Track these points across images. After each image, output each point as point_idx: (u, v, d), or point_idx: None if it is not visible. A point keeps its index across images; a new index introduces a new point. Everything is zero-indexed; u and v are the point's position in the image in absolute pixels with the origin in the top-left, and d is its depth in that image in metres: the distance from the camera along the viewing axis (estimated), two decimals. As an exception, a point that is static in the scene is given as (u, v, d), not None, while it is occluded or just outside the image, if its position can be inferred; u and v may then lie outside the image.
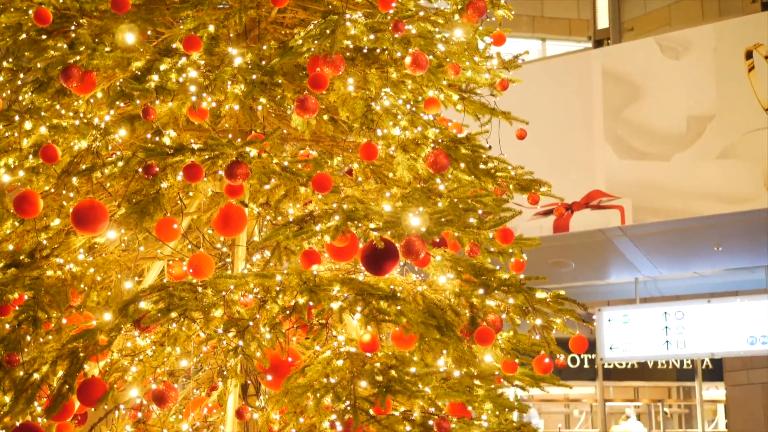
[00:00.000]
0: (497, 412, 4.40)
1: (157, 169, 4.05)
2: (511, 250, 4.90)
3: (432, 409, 4.06)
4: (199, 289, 3.98)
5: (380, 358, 3.91)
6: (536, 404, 19.22)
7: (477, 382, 4.32)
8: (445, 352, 4.25)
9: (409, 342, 4.10)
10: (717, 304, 14.08)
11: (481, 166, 4.62)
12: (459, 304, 4.44)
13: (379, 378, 3.77)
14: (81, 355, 3.96)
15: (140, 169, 4.08)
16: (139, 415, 4.18)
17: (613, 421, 20.13)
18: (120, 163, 4.17)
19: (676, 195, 12.75)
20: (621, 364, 18.90)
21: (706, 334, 14.03)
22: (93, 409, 4.38)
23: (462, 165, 4.51)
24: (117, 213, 4.22)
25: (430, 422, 3.95)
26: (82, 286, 4.60)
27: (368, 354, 3.86)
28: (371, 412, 3.80)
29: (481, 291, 4.36)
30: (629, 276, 14.70)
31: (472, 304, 4.40)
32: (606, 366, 18.60)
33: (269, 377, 4.01)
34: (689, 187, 12.77)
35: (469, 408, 4.25)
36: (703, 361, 18.87)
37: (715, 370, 18.65)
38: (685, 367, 19.16)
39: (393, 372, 3.82)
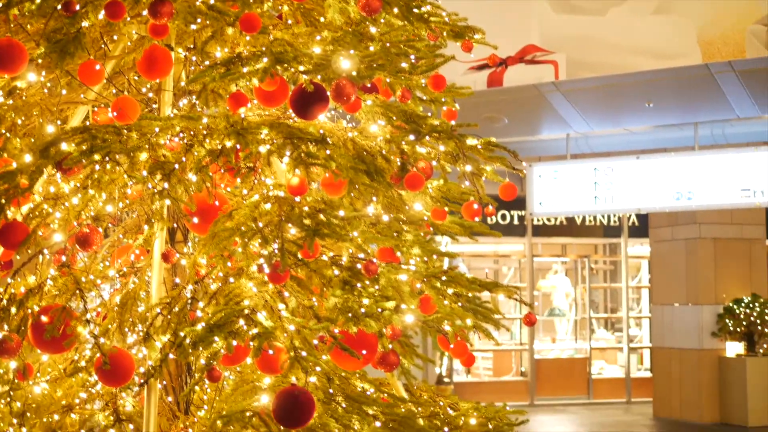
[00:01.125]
0: (425, 258, 4.43)
1: (78, 6, 3.90)
2: (443, 99, 4.86)
3: (361, 255, 4.06)
4: (124, 131, 3.88)
5: (309, 203, 3.88)
6: (465, 260, 19.56)
7: (406, 227, 4.33)
8: (374, 198, 4.23)
9: (338, 188, 4.07)
10: (645, 160, 14.31)
11: (415, 10, 4.53)
12: (389, 151, 4.41)
13: (307, 222, 3.75)
14: (1, 200, 3.86)
15: (59, 6, 3.91)
16: (63, 258, 4.12)
17: (541, 277, 20.62)
18: (38, 0, 4.00)
19: (611, 50, 12.77)
20: (549, 221, 19.25)
21: (634, 190, 14.29)
22: (17, 257, 4.32)
23: (395, 9, 4.41)
24: (36, 52, 4.06)
25: (358, 266, 3.95)
26: (3, 131, 4.47)
27: (296, 198, 3.82)
28: (299, 255, 3.79)
29: (411, 137, 4.32)
30: (561, 132, 14.81)
31: (402, 150, 4.37)
32: (535, 222, 18.92)
33: (195, 220, 3.96)
34: (624, 42, 12.78)
35: (398, 254, 4.27)
36: (629, 217, 19.29)
37: (641, 227, 19.11)
38: (611, 223, 19.58)
39: (321, 216, 3.79)
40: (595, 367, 19.40)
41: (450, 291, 4.52)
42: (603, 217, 19.39)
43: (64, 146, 3.79)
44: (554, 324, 20.59)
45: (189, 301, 4.01)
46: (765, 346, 15.68)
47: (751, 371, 15.42)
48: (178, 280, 4.61)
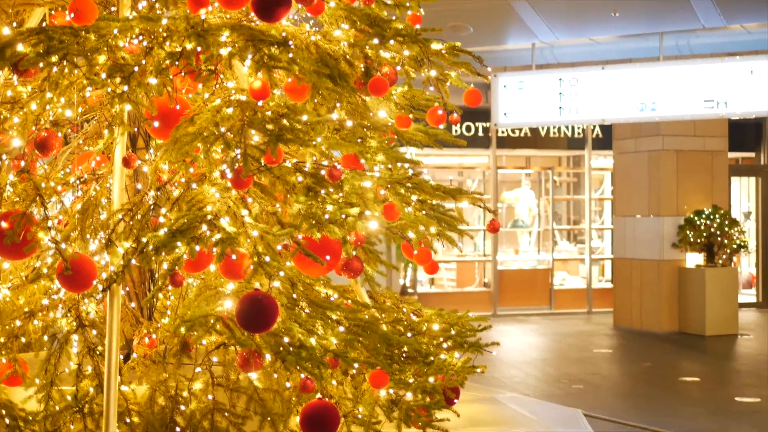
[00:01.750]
0: (389, 165, 4.40)
1: None
2: (407, 4, 4.79)
3: (325, 162, 4.03)
4: (82, 33, 3.79)
5: (272, 107, 3.83)
6: (430, 172, 19.57)
7: (370, 134, 4.30)
8: (338, 104, 4.18)
9: (301, 92, 4.01)
10: (610, 71, 14.30)
11: None
12: (353, 56, 4.35)
13: (270, 127, 3.70)
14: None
15: None
16: (23, 164, 4.06)
17: (505, 189, 20.71)
18: None
19: (577, -42, 12.64)
20: (514, 132, 19.25)
21: (599, 101, 14.31)
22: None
23: None
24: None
25: (322, 172, 3.93)
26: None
27: (259, 102, 3.77)
28: (262, 161, 3.76)
29: (375, 41, 4.26)
30: (526, 42, 14.72)
31: (366, 55, 4.31)
32: (500, 134, 18.92)
33: (156, 124, 3.90)
34: (590, -51, 12.65)
35: (362, 160, 4.24)
36: (593, 129, 19.34)
37: (605, 139, 19.17)
38: (575, 135, 19.62)
39: (284, 121, 3.74)
40: (557, 278, 19.64)
41: (414, 198, 4.51)
42: (567, 128, 19.42)
43: (20, 48, 3.70)
44: (517, 236, 20.75)
45: (151, 207, 3.97)
46: (724, 257, 15.91)
47: (710, 282, 15.67)
48: (140, 186, 4.57)
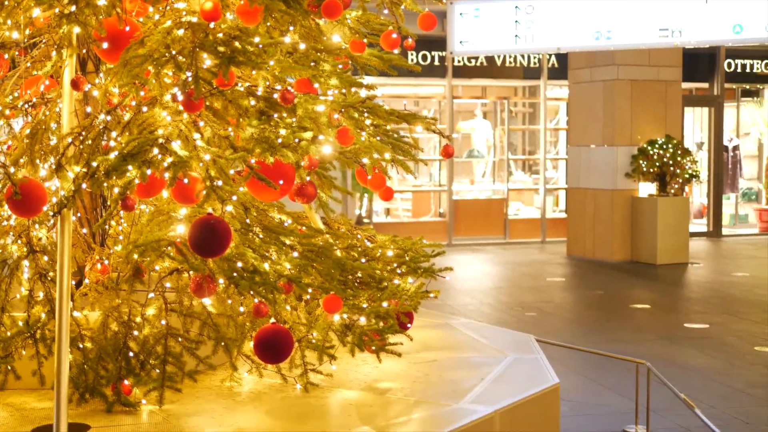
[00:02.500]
0: (343, 89, 4.37)
1: None
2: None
3: (279, 87, 3.99)
4: (27, -48, 3.70)
5: (223, 29, 3.76)
6: (386, 101, 19.48)
7: (323, 57, 4.26)
8: (291, 27, 4.13)
9: (253, 15, 3.94)
10: (566, -1, 14.23)
11: None
12: (307, -22, 4.28)
13: (222, 49, 3.64)
14: None
15: None
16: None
17: (461, 119, 20.71)
18: None
19: None
20: (470, 62, 19.19)
21: (554, 29, 14.28)
22: None
23: None
24: None
25: (275, 96, 3.89)
26: None
27: (211, 24, 3.70)
28: (214, 84, 3.71)
29: (329, -37, 4.20)
30: (483, -31, 14.63)
31: (320, -23, 4.25)
32: (456, 63, 18.85)
33: (105, 45, 3.82)
34: None
35: (315, 85, 4.20)
36: (549, 59, 19.33)
37: (560, 69, 19.19)
38: (531, 65, 19.60)
39: (236, 43, 3.69)
40: (511, 208, 19.77)
41: (368, 122, 4.49)
42: (523, 58, 19.39)
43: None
44: (473, 166, 20.81)
45: (102, 131, 3.91)
46: (676, 186, 16.08)
47: (662, 211, 15.86)
48: (90, 110, 4.50)
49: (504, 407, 4.13)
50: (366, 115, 4.46)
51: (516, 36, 14.36)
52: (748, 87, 21.69)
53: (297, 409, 4.13)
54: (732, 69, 20.71)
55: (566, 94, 18.62)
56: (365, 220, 18.40)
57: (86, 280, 4.44)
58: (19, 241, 4.26)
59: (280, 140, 3.73)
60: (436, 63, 18.84)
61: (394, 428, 3.85)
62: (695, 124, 21.65)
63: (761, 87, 21.98)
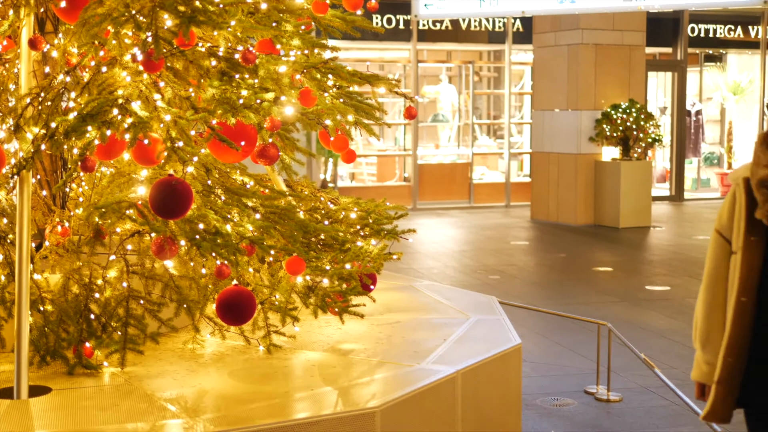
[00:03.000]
0: (305, 50, 4.35)
1: None
2: None
3: (240, 47, 3.96)
4: None
5: (184, -12, 3.72)
6: (351, 65, 19.34)
7: (285, 18, 4.22)
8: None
9: (214, -26, 3.91)
10: (531, -38, 14.21)
11: None
12: (268, -64, 4.24)
13: (182, 8, 3.60)
14: None
15: None
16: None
17: (426, 83, 20.66)
18: None
19: None
20: (435, 26, 19.12)
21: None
22: None
23: None
24: None
25: (236, 56, 3.86)
26: None
27: (170, -17, 3.66)
28: (175, 44, 3.67)
29: None
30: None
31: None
32: (420, 27, 18.78)
33: (63, 4, 3.77)
34: None
35: (277, 45, 4.18)
36: (513, 23, 19.30)
37: (525, 33, 19.17)
38: (496, 29, 19.57)
39: (197, 2, 3.65)
40: (476, 172, 19.79)
41: (331, 84, 4.47)
42: (488, 22, 19.35)
43: None
44: (438, 130, 20.79)
45: (61, 91, 3.87)
46: (639, 150, 16.17)
47: (625, 175, 15.94)
48: (48, 71, 4.44)
49: (466, 367, 4.16)
50: (329, 76, 4.44)
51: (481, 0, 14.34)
52: (711, 52, 21.79)
53: (260, 370, 4.14)
54: (695, 34, 20.80)
55: (531, 58, 18.63)
56: (330, 185, 18.37)
57: (46, 243, 4.40)
58: (-22, 203, 4.22)
59: (241, 101, 3.71)
60: (401, 27, 18.76)
61: (357, 389, 3.87)
62: (658, 88, 21.73)
63: (724, 52, 22.08)
